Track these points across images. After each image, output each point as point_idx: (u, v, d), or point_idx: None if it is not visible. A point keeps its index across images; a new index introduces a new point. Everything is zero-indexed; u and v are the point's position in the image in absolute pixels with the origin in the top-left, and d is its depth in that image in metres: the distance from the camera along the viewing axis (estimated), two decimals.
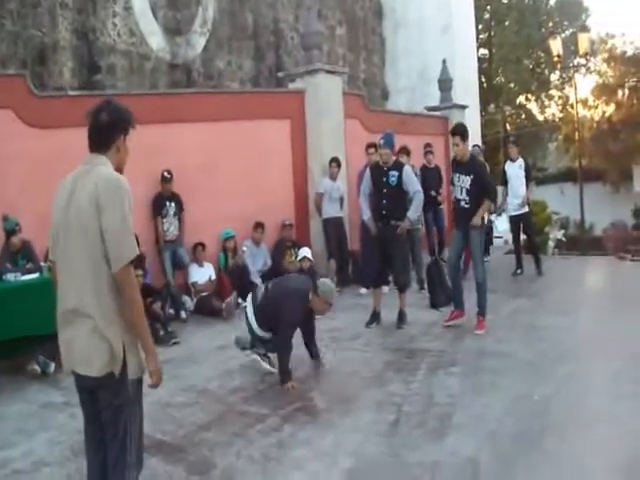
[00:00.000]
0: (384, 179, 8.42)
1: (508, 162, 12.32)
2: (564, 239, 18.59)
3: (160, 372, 3.35)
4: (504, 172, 12.22)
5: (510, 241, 13.52)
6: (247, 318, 6.79)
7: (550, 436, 4.97)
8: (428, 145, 13.01)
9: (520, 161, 12.06)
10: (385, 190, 8.43)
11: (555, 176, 27.87)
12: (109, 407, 3.32)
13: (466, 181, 8.08)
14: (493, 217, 13.01)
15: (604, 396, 5.85)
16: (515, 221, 12.23)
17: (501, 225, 14.28)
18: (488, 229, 12.91)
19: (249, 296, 7.03)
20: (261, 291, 6.90)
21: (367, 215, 8.66)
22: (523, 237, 12.42)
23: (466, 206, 8.10)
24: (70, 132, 9.02)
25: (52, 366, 7.15)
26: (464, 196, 8.11)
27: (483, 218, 8.32)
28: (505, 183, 12.07)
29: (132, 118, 3.45)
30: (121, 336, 3.23)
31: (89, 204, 3.19)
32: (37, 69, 11.52)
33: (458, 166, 8.25)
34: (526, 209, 11.97)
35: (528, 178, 11.97)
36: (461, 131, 8.17)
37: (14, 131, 8.89)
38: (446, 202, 12.74)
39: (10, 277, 7.39)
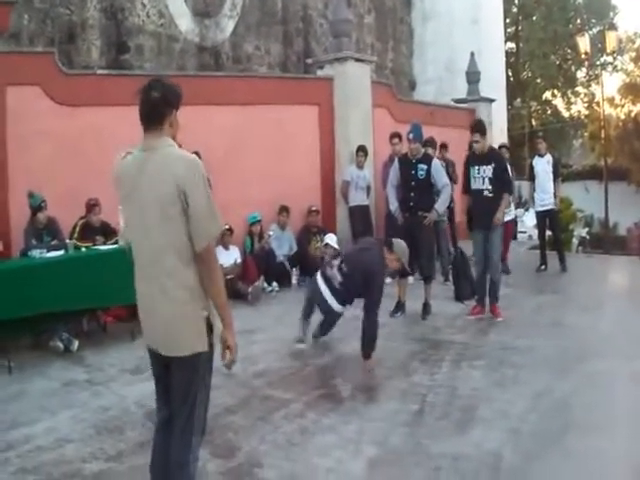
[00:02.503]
0: (412, 172, 8.41)
1: (536, 157, 12.19)
2: (588, 237, 18.47)
3: (236, 347, 3.40)
4: (532, 167, 12.10)
5: (535, 236, 13.41)
6: (321, 296, 6.80)
7: (571, 434, 4.93)
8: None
9: (548, 157, 11.95)
10: (413, 183, 8.44)
11: (580, 173, 27.67)
12: (183, 378, 3.36)
13: (487, 170, 8.10)
14: (520, 212, 12.92)
15: (625, 395, 5.80)
16: (542, 217, 12.12)
17: (529, 221, 14.16)
18: (513, 223, 12.89)
19: (319, 276, 7.00)
20: (334, 268, 6.88)
21: (394, 205, 8.65)
22: (548, 233, 12.30)
23: (490, 195, 8.10)
24: (97, 111, 9.10)
25: (75, 343, 7.18)
26: (487, 185, 8.12)
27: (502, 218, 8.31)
28: (533, 178, 11.95)
29: (182, 94, 3.42)
30: (202, 314, 3.30)
31: (170, 187, 3.17)
32: (65, 47, 11.51)
33: (475, 158, 8.27)
34: (553, 205, 11.86)
35: (556, 174, 11.86)
36: (481, 127, 8.26)
37: (41, 108, 8.89)
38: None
39: (35, 253, 7.40)
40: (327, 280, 6.82)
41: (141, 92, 3.32)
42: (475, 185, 8.22)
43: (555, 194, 11.81)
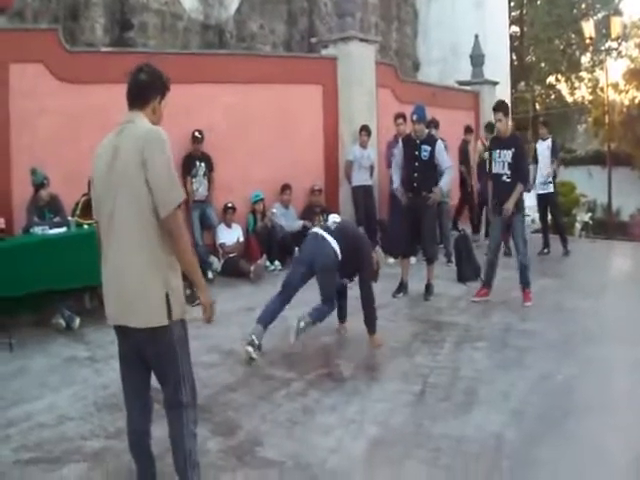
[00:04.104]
0: (416, 152, 8.44)
1: (539, 141, 12.36)
2: (591, 222, 18.41)
3: (213, 305, 3.48)
4: (535, 151, 12.21)
5: (537, 220, 13.41)
6: (325, 244, 6.43)
7: (573, 417, 4.92)
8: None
9: (549, 141, 12.06)
10: (417, 164, 8.46)
11: (583, 158, 27.48)
12: (157, 353, 3.39)
13: (508, 155, 8.09)
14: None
15: (627, 380, 5.81)
16: (541, 200, 12.19)
17: (528, 201, 14.11)
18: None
19: (317, 229, 6.72)
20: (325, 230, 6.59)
21: (396, 184, 8.68)
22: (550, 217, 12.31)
23: (508, 180, 8.11)
24: (101, 88, 9.05)
25: (77, 320, 7.19)
26: (506, 170, 8.11)
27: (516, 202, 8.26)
28: (536, 162, 11.98)
29: (168, 82, 3.56)
30: (165, 284, 3.31)
31: (133, 158, 3.25)
32: (69, 25, 11.46)
33: (498, 142, 8.28)
34: (551, 189, 11.92)
35: (554, 156, 11.98)
36: (503, 107, 8.24)
37: (45, 85, 8.87)
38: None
39: (37, 230, 7.42)
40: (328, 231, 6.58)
41: (130, 74, 3.46)
42: (495, 169, 8.24)
43: (555, 177, 11.94)
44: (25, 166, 8.05)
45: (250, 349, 6.10)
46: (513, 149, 8.08)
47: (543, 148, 12.01)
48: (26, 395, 5.44)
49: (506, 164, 8.11)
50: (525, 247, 8.21)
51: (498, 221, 8.30)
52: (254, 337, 6.16)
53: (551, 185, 11.90)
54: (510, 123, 8.55)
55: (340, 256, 6.36)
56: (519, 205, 8.16)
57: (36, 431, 4.75)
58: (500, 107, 8.23)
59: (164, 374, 3.44)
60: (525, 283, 8.26)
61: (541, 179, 11.88)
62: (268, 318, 6.35)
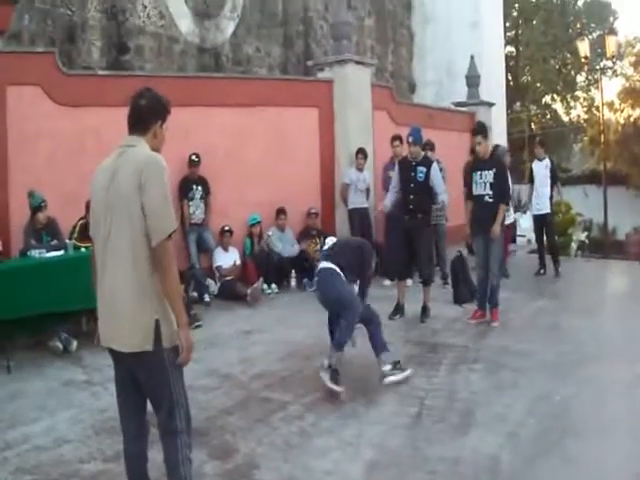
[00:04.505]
0: (412, 174, 8.48)
1: (535, 161, 12.30)
2: (587, 241, 18.47)
3: (191, 345, 3.38)
4: (531, 171, 12.19)
5: (533, 240, 13.43)
6: (333, 277, 6.39)
7: (570, 438, 4.92)
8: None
9: (547, 161, 12.01)
10: (412, 185, 8.50)
11: (579, 178, 27.57)
12: (149, 379, 3.40)
13: (489, 176, 8.15)
14: (517, 215, 12.96)
15: (624, 400, 5.80)
16: (537, 221, 12.18)
17: (524, 222, 14.18)
18: (512, 227, 12.89)
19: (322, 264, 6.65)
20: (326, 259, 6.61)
21: (388, 203, 8.74)
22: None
23: (490, 200, 8.14)
24: (98, 111, 9.11)
25: (74, 344, 7.19)
26: (487, 191, 8.15)
27: (502, 224, 8.32)
28: (532, 181, 12.01)
29: (169, 106, 3.58)
30: (155, 311, 3.30)
31: (131, 182, 3.26)
32: (66, 48, 11.50)
33: (478, 163, 8.35)
34: (548, 210, 11.88)
35: (554, 179, 11.92)
36: (482, 130, 8.31)
37: (42, 108, 8.92)
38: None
39: (35, 253, 7.42)
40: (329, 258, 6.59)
41: (131, 99, 3.49)
42: (477, 191, 8.25)
43: (552, 198, 11.86)
44: (22, 189, 8.09)
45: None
46: (494, 169, 8.14)
47: (540, 168, 11.95)
48: (23, 418, 5.43)
49: (487, 185, 8.15)
50: (499, 268, 8.28)
51: (481, 241, 8.31)
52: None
53: (548, 206, 11.86)
54: (490, 144, 8.60)
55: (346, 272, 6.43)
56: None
57: (34, 454, 4.75)
58: (479, 130, 8.32)
59: (157, 399, 3.44)
60: (494, 303, 8.30)
61: (537, 200, 11.88)
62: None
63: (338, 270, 6.33)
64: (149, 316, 3.29)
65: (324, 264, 6.49)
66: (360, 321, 6.27)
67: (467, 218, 8.51)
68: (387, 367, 6.17)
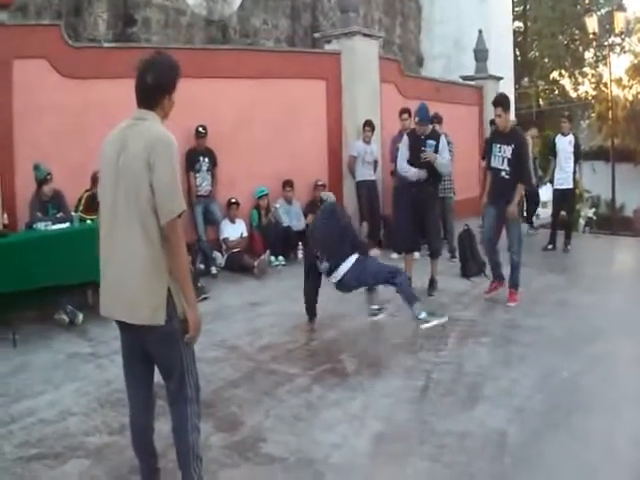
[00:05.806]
0: (422, 147, 8.34)
1: (559, 136, 12.15)
2: (595, 217, 18.39)
3: (199, 324, 3.36)
4: (554, 145, 12.09)
5: (542, 215, 13.41)
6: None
7: (578, 414, 4.90)
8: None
9: (571, 137, 11.92)
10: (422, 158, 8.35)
11: (587, 154, 27.40)
12: (161, 349, 3.38)
13: (507, 151, 7.91)
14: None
15: (632, 376, 5.79)
16: (558, 196, 12.09)
17: (544, 195, 14.03)
18: (534, 195, 13.00)
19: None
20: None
21: (412, 171, 8.41)
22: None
23: (506, 177, 7.93)
24: (104, 83, 9.03)
25: (80, 316, 7.17)
26: (505, 166, 7.93)
27: (519, 203, 8.21)
28: (555, 155, 11.96)
29: (178, 75, 3.44)
30: (167, 281, 3.27)
31: (140, 158, 3.21)
32: (72, 20, 11.43)
33: (499, 136, 8.13)
34: (571, 185, 11.84)
35: (577, 156, 11.86)
36: (503, 101, 8.01)
37: (48, 81, 8.84)
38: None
39: (40, 226, 7.41)
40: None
41: (136, 71, 3.36)
42: (494, 163, 8.07)
43: (574, 173, 11.80)
44: (28, 162, 8.03)
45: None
46: (513, 145, 7.89)
47: (564, 143, 11.85)
48: (29, 391, 5.43)
49: (505, 160, 7.93)
50: (519, 246, 8.03)
51: (492, 211, 8.13)
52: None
53: (570, 181, 11.80)
54: (511, 118, 8.45)
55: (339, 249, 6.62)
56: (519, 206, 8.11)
57: (39, 427, 4.74)
58: (500, 102, 8.00)
59: (167, 368, 3.42)
60: (514, 284, 8.09)
61: (560, 175, 11.81)
62: None
63: (339, 270, 6.48)
64: (161, 286, 3.26)
65: (332, 278, 6.68)
66: (384, 281, 6.42)
67: (486, 189, 8.40)
68: (423, 315, 6.58)
